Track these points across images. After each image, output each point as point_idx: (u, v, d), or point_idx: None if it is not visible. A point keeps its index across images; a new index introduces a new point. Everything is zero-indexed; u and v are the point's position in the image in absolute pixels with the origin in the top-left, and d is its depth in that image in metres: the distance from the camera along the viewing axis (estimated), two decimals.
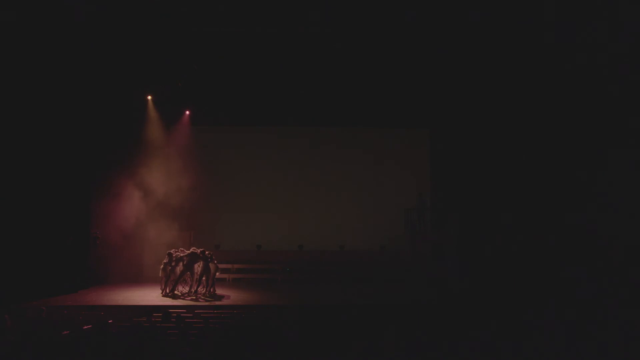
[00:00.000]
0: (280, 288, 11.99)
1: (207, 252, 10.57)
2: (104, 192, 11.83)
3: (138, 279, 12.18)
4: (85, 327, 7.19)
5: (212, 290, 10.64)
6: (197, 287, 10.53)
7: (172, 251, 10.84)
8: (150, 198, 12.36)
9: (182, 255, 10.65)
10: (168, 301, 10.12)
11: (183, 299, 10.34)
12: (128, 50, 10.88)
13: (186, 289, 10.66)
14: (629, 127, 9.19)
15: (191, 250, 10.63)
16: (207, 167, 13.78)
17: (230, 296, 10.70)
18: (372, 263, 13.33)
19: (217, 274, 11.00)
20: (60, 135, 10.62)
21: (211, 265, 10.54)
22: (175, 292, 10.59)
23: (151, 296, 10.50)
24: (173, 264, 10.63)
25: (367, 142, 14.45)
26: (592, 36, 9.24)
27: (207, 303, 9.97)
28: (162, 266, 10.70)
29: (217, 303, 9.99)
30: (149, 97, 12.81)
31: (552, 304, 8.84)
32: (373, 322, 7.89)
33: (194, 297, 10.33)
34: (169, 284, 10.59)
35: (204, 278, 10.52)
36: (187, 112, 13.75)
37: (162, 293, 10.59)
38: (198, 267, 10.52)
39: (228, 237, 13.74)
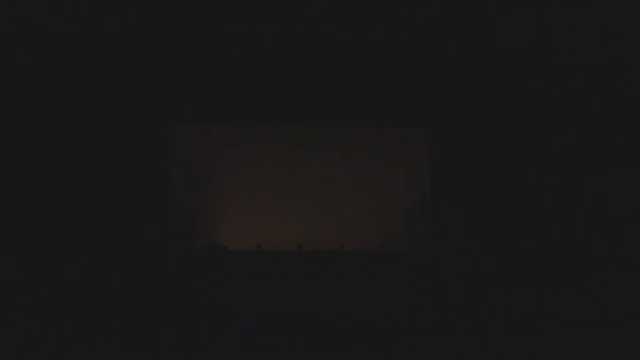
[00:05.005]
0: (280, 288, 11.98)
1: None
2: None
3: None
4: None
5: None
6: None
7: None
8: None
9: None
10: None
11: None
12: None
13: None
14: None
15: None
16: (207, 167, 13.81)
17: None
18: (372, 263, 13.34)
19: None
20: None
21: None
22: None
23: None
24: None
25: (367, 141, 14.45)
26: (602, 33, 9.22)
27: None
28: None
29: None
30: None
31: (554, 305, 8.84)
32: (373, 322, 7.89)
33: None
34: None
35: None
36: (187, 112, 13.69)
37: None
38: None
39: (228, 237, 13.73)
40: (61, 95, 10.57)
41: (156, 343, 6.65)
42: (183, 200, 13.10)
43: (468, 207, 11.87)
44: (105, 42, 10.49)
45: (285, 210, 14.18)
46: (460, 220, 12.04)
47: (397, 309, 9.27)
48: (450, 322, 7.89)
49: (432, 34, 10.61)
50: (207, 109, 13.40)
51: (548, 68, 10.37)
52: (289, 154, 14.43)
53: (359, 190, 14.26)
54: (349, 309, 9.16)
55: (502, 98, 11.18)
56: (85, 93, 11.07)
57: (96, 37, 10.30)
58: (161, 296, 10.50)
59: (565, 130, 10.42)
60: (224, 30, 10.67)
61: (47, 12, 9.47)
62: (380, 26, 10.51)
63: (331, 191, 14.31)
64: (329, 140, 14.43)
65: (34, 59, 9.90)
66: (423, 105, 13.12)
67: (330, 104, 13.12)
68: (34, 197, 10.22)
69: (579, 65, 10.03)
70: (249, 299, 10.47)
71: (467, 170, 12.07)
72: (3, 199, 9.79)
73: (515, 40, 10.28)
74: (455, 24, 10.29)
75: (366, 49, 11.20)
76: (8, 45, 9.54)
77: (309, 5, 9.91)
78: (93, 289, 10.29)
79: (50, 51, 10.04)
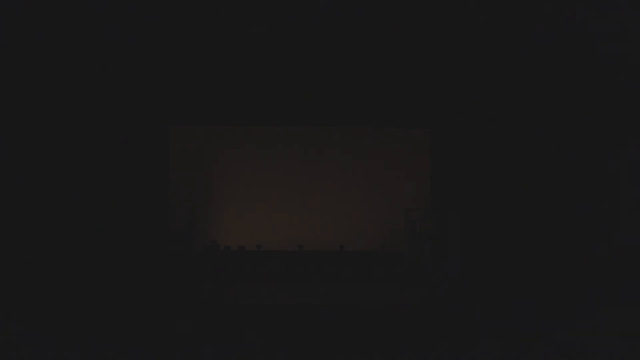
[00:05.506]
0: (280, 288, 11.99)
1: None
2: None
3: None
4: None
5: None
6: None
7: None
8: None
9: None
10: None
11: None
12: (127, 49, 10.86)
13: None
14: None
15: None
16: (207, 167, 13.82)
17: None
18: (372, 263, 13.34)
19: None
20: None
21: None
22: None
23: None
24: None
25: (367, 141, 14.45)
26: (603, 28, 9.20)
27: None
28: None
29: None
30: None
31: (554, 305, 8.84)
32: (373, 322, 7.89)
33: None
34: None
35: None
36: (187, 112, 13.71)
37: None
38: None
39: (228, 237, 13.73)
40: (61, 95, 10.57)
41: (156, 343, 6.65)
42: (183, 200, 13.11)
43: (468, 207, 11.87)
44: (106, 41, 10.49)
45: (285, 210, 14.17)
46: (461, 220, 12.04)
47: (396, 309, 9.27)
48: (450, 323, 7.89)
49: (432, 33, 10.60)
50: (207, 109, 13.41)
51: (548, 68, 10.37)
52: (289, 154, 14.42)
53: (359, 190, 14.25)
54: (349, 309, 9.16)
55: (502, 98, 11.17)
56: (85, 93, 11.06)
57: (96, 37, 10.30)
58: (161, 296, 10.50)
59: (565, 131, 10.41)
60: (224, 30, 10.66)
61: (47, 12, 9.46)
62: (381, 26, 10.50)
63: (331, 191, 14.30)
64: (329, 140, 14.42)
65: (34, 59, 9.89)
66: (423, 105, 13.12)
67: (330, 104, 13.11)
68: (34, 197, 10.22)
69: (579, 65, 10.02)
70: (249, 299, 10.48)
71: (468, 170, 12.07)
72: (3, 199, 9.79)
73: (515, 39, 10.27)
74: (455, 24, 10.28)
75: (366, 49, 11.19)
76: (8, 45, 9.53)
77: (309, 5, 9.90)
78: (93, 289, 10.29)
79: (50, 51, 10.03)
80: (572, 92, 10.31)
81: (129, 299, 10.15)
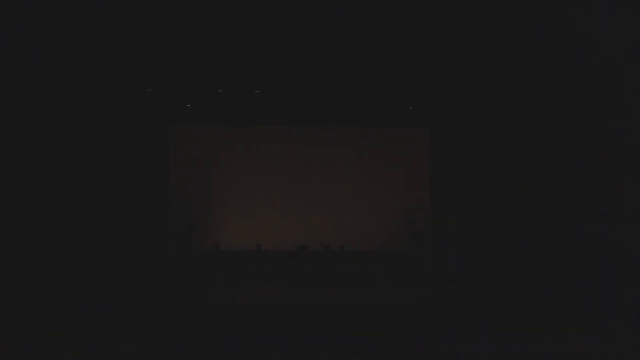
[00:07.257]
0: (280, 288, 11.99)
1: None
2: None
3: None
4: None
5: None
6: None
7: None
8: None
9: None
10: None
11: None
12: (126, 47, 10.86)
13: None
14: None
15: None
16: (207, 167, 13.83)
17: None
18: (372, 263, 13.35)
19: None
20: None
21: None
22: None
23: None
24: None
25: (367, 141, 14.46)
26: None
27: None
28: None
29: None
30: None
31: (553, 305, 8.84)
32: (373, 322, 7.90)
33: None
34: None
35: None
36: (187, 112, 13.73)
37: None
38: None
39: (228, 237, 13.73)
40: (61, 95, 10.57)
41: (156, 342, 6.66)
42: (183, 200, 13.12)
43: (468, 207, 11.88)
44: (106, 41, 10.49)
45: (285, 210, 14.18)
46: (461, 220, 12.04)
47: (397, 309, 9.27)
48: (451, 323, 7.90)
49: (432, 33, 10.60)
50: (207, 109, 13.41)
51: (549, 68, 10.37)
52: (289, 154, 14.42)
53: (359, 190, 14.26)
54: (349, 309, 9.16)
55: (502, 98, 11.18)
56: (85, 93, 11.06)
57: (96, 37, 10.30)
58: (161, 296, 10.51)
59: (565, 131, 10.41)
60: (224, 30, 10.67)
61: (48, 12, 9.47)
62: (381, 26, 10.50)
63: (331, 191, 14.31)
64: (329, 140, 14.43)
65: (34, 58, 9.89)
66: (423, 105, 13.13)
67: (330, 104, 13.12)
68: (34, 197, 10.22)
69: (579, 65, 10.02)
70: (248, 299, 10.48)
71: (467, 170, 12.08)
72: (3, 199, 9.79)
73: (515, 39, 10.27)
74: (455, 24, 10.28)
75: (366, 49, 11.18)
76: (8, 45, 9.54)
77: (309, 5, 9.90)
78: (92, 289, 10.30)
79: (50, 51, 10.03)
80: (572, 92, 10.30)
81: (128, 299, 10.15)
